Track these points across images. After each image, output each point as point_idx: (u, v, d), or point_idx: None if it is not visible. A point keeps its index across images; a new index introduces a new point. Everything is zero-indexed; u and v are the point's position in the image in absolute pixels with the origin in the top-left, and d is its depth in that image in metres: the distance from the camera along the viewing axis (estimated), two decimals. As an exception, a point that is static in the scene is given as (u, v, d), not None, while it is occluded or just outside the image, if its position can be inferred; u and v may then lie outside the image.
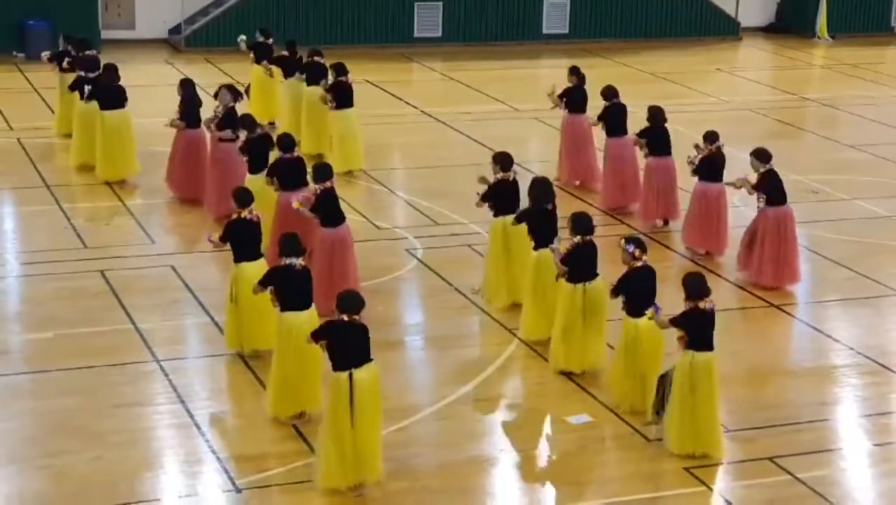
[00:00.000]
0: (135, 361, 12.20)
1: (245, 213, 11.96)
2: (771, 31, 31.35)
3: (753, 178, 14.33)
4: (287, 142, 14.05)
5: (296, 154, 14.06)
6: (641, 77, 25.35)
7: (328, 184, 12.86)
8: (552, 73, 22.45)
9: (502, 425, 11.33)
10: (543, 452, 10.97)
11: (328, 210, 12.92)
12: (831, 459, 10.84)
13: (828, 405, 11.86)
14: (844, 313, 14.06)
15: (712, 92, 23.92)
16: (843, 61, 28.09)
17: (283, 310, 10.83)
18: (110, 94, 17.32)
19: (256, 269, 11.74)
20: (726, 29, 30.29)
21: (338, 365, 9.77)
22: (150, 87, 22.81)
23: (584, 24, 29.10)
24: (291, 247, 10.85)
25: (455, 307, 13.70)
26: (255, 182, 13.84)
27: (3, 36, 25.30)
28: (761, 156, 14.21)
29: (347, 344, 9.79)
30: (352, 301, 9.88)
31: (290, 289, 10.85)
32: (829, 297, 14.52)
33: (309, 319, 10.77)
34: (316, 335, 9.99)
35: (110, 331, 12.85)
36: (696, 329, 10.40)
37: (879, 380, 12.38)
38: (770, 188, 14.13)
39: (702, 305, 10.40)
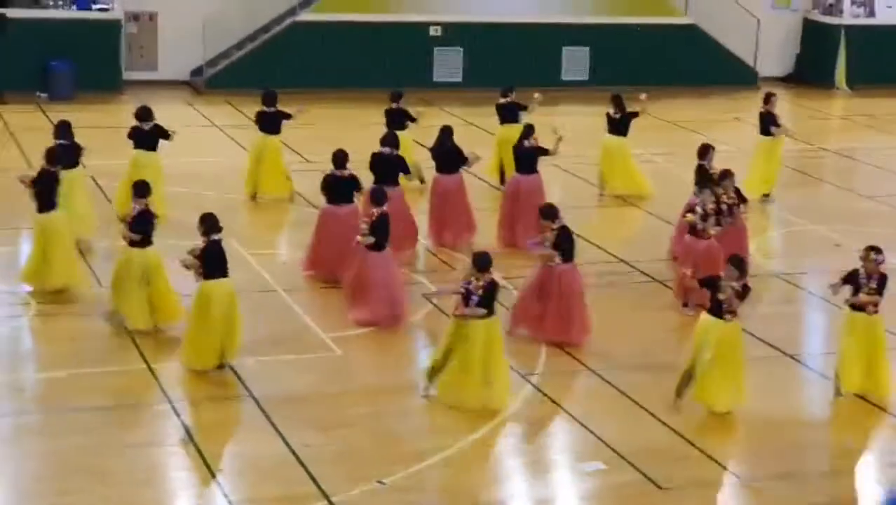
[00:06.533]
0: (147, 402, 12.21)
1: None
2: (790, 81, 31.41)
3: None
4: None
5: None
6: (660, 125, 25.36)
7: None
8: (571, 119, 22.51)
9: (514, 471, 11.28)
10: (556, 499, 10.91)
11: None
12: (846, 511, 10.78)
13: (843, 456, 11.77)
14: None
15: (730, 141, 23.87)
16: (862, 112, 28.08)
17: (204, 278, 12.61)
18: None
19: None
20: (745, 78, 30.34)
21: None
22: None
23: (604, 70, 29.19)
24: (212, 224, 12.68)
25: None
26: (44, 219, 14.76)
27: (27, 76, 25.53)
28: (549, 214, 13.78)
29: None
30: None
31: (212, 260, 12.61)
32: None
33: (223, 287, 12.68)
34: None
35: (123, 371, 12.87)
36: None
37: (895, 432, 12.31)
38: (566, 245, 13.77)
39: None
